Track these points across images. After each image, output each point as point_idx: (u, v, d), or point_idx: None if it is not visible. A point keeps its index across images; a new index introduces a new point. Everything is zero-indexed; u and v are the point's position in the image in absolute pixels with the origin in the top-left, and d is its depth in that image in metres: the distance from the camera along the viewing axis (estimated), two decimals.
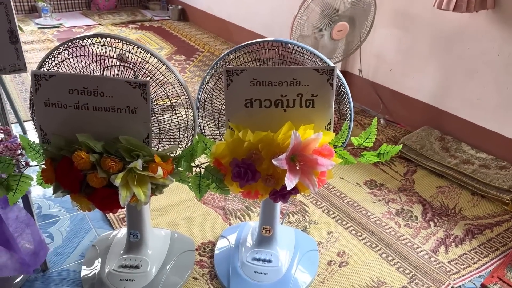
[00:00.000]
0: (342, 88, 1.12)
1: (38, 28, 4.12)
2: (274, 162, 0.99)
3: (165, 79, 1.09)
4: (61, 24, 4.24)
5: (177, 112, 1.11)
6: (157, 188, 1.06)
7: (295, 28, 2.12)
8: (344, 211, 1.82)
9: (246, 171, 1.05)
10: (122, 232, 1.55)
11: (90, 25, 4.28)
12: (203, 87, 1.20)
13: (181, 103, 1.12)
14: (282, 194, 1.09)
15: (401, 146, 1.10)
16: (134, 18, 4.56)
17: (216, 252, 1.54)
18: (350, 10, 2.20)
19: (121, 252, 1.43)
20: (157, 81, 1.09)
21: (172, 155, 1.12)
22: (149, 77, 1.10)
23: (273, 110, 1.10)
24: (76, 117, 1.06)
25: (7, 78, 2.78)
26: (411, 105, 2.50)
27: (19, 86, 2.88)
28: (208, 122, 1.21)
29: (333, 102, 1.07)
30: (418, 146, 2.20)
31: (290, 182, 1.00)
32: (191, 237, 1.62)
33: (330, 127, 1.10)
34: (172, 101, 1.11)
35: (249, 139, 1.06)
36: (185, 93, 1.11)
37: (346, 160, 1.11)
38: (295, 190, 1.08)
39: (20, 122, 2.23)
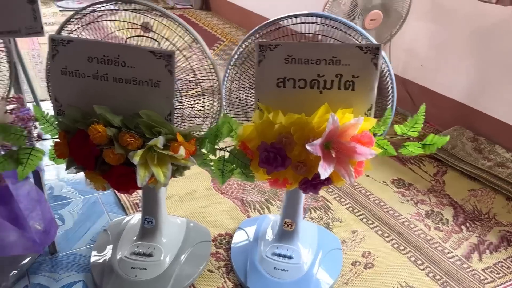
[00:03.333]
0: (386, 69, 1.01)
1: (60, 10, 4.09)
2: (307, 147, 0.90)
3: (191, 53, 1.00)
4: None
5: (202, 88, 1.02)
6: (178, 169, 0.98)
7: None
8: (369, 209, 1.71)
9: (276, 157, 0.96)
10: (135, 218, 1.47)
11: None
12: (231, 64, 1.11)
13: (207, 79, 1.03)
14: (314, 183, 0.99)
15: (448, 137, 0.99)
16: (156, 5, 4.49)
17: (233, 244, 1.45)
18: None
19: (134, 238, 1.35)
20: (182, 54, 1.00)
21: (196, 135, 1.03)
22: (175, 49, 1.01)
23: (307, 91, 1.00)
24: (95, 88, 0.98)
25: (26, 58, 2.74)
26: (442, 103, 2.37)
27: (37, 66, 2.84)
28: (235, 102, 1.12)
29: (376, 85, 0.97)
30: (450, 146, 2.07)
31: (324, 170, 0.90)
32: (207, 227, 1.53)
33: (370, 113, 1.00)
34: (198, 76, 1.02)
35: (280, 122, 0.97)
36: (212, 69, 1.02)
37: (385, 150, 1.01)
38: (328, 181, 0.98)
39: (36, 101, 2.17)
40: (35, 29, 0.92)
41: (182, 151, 0.93)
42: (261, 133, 0.99)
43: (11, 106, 0.98)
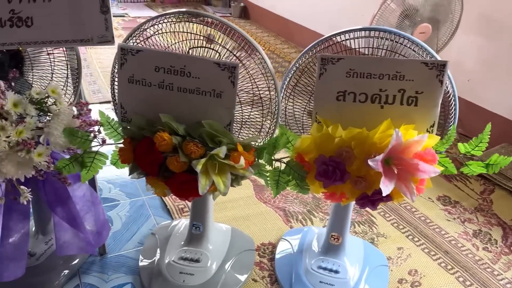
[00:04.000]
0: (449, 86, 1.00)
1: None
2: (370, 163, 0.89)
3: (251, 65, 1.02)
4: (126, 13, 4.33)
5: (262, 97, 1.03)
6: (236, 179, 0.99)
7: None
8: (415, 226, 1.67)
9: (335, 170, 0.95)
10: (182, 222, 1.50)
11: None
12: (288, 76, 1.11)
13: (267, 89, 1.04)
14: (372, 199, 0.98)
15: None
16: None
17: (277, 255, 1.45)
18: (433, 11, 2.05)
19: (182, 243, 1.37)
20: (244, 66, 1.02)
21: (254, 145, 1.04)
22: (237, 60, 1.03)
23: (368, 105, 1.00)
24: (159, 96, 1.01)
25: None
26: (489, 119, 2.30)
27: (84, 69, 2.94)
28: (292, 112, 1.13)
29: (440, 101, 0.95)
30: None
31: (385, 187, 0.89)
32: (250, 236, 1.54)
33: (433, 130, 0.98)
34: (257, 87, 1.04)
35: (340, 135, 0.97)
36: (272, 80, 1.03)
37: (446, 169, 0.99)
38: (387, 197, 0.97)
39: None
40: (106, 38, 0.96)
41: (242, 161, 0.94)
42: (319, 146, 0.99)
43: (78, 111, 1.02)
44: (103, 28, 0.95)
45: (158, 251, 1.38)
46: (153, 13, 4.45)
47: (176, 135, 0.95)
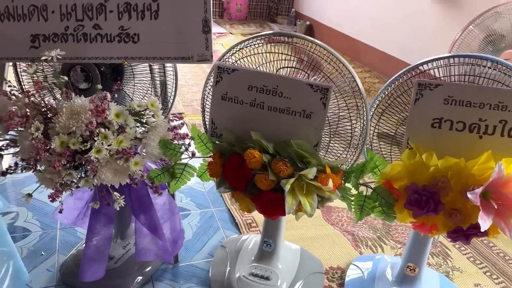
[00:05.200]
0: None
1: None
2: (469, 195, 0.85)
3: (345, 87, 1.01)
4: None
5: (351, 119, 1.02)
6: (322, 201, 0.98)
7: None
8: (493, 263, 1.57)
9: (428, 200, 0.92)
10: (251, 237, 1.51)
11: (222, 33, 4.47)
12: (377, 100, 1.10)
13: (356, 110, 1.03)
14: (466, 234, 0.93)
15: None
16: (262, 30, 4.67)
17: (347, 281, 1.41)
18: None
19: (252, 258, 1.37)
20: (337, 88, 1.01)
21: (341, 168, 1.03)
22: (327, 81, 1.03)
23: (465, 134, 0.96)
24: (250, 114, 1.03)
25: None
26: None
27: None
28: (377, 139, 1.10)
29: None
30: None
31: (484, 222, 0.85)
32: (319, 258, 1.51)
33: None
34: (347, 108, 1.03)
35: (435, 164, 0.93)
36: (362, 104, 1.02)
37: None
38: (482, 232, 0.92)
39: None
40: (206, 57, 1.00)
41: (330, 183, 0.94)
42: (411, 174, 0.96)
43: (172, 124, 1.07)
44: (204, 47, 0.99)
45: (228, 264, 1.40)
46: (221, 30, 4.59)
47: (266, 153, 0.97)
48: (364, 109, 1.02)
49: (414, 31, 3.22)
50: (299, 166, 0.95)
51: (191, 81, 3.14)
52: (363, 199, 1.02)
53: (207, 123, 1.16)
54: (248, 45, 1.10)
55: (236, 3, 4.92)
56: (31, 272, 1.36)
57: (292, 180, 0.92)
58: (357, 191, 1.02)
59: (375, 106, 1.10)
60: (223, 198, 1.83)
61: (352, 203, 1.03)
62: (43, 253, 1.45)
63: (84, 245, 1.45)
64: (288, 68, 1.11)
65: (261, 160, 0.95)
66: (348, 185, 1.04)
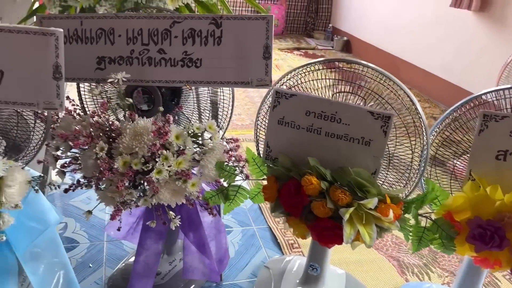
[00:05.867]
0: None
1: None
2: None
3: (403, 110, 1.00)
4: None
5: (412, 147, 1.00)
6: (380, 231, 0.96)
7: (505, 77, 1.87)
8: None
9: (492, 235, 0.89)
10: (295, 259, 1.49)
11: None
12: (436, 128, 1.07)
13: (415, 138, 1.01)
14: None
15: None
16: (299, 45, 4.69)
17: None
18: None
19: (297, 282, 1.36)
20: (399, 117, 1.00)
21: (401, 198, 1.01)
22: (386, 108, 1.02)
23: None
24: (306, 139, 1.03)
25: None
26: None
27: None
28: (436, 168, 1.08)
29: None
30: None
31: None
32: (364, 283, 1.48)
33: None
34: (407, 136, 1.01)
35: (501, 198, 0.90)
36: (424, 132, 1.00)
37: None
38: None
39: None
40: (265, 82, 1.01)
41: (391, 214, 0.92)
42: (474, 207, 0.93)
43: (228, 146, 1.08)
44: (263, 73, 1.00)
45: (273, 286, 1.39)
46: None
47: (323, 180, 0.96)
48: (425, 137, 1.00)
49: (457, 49, 3.15)
50: (358, 195, 0.94)
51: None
52: (422, 230, 1.00)
53: (260, 145, 1.16)
54: (304, 70, 1.11)
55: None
56: (80, 283, 1.40)
57: (351, 209, 0.91)
58: (417, 223, 1.00)
59: (434, 133, 1.07)
60: (264, 216, 1.83)
61: (410, 234, 1.01)
62: (91, 265, 1.48)
63: (131, 259, 1.48)
64: (344, 93, 1.11)
65: (319, 187, 0.94)
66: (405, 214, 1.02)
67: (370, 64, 1.03)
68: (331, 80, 1.11)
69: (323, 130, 1.02)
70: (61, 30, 0.86)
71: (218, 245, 1.35)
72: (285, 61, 4.16)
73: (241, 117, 2.96)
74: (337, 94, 1.12)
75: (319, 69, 1.07)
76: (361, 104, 1.10)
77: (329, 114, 1.00)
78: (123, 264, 1.46)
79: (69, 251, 1.54)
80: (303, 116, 1.02)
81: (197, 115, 1.16)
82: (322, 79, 1.06)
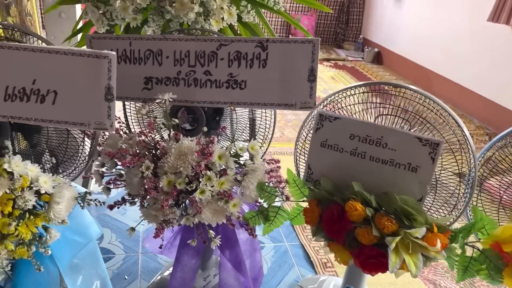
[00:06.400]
0: None
1: None
2: None
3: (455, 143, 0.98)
4: None
5: (460, 174, 0.98)
6: (426, 260, 0.94)
7: None
8: None
9: None
10: (330, 280, 1.48)
11: None
12: (485, 155, 1.05)
13: (462, 165, 0.99)
14: None
15: None
16: (329, 56, 4.67)
17: None
18: None
19: None
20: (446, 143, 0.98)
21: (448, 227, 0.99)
22: (432, 133, 1.00)
23: None
24: (350, 163, 1.02)
25: None
26: None
27: None
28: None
29: None
30: None
31: None
32: None
33: None
34: (456, 163, 0.99)
35: None
36: (472, 160, 0.98)
37: None
38: None
39: None
40: (309, 105, 1.01)
41: (438, 244, 0.90)
42: None
43: (269, 167, 1.08)
44: (308, 95, 1.00)
45: None
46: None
47: (368, 206, 0.95)
48: (472, 164, 0.98)
49: (493, 63, 3.07)
50: (405, 223, 0.92)
51: None
52: (468, 260, 0.97)
53: (300, 166, 1.16)
54: (347, 93, 1.10)
55: None
56: None
57: (398, 238, 0.89)
58: (463, 252, 0.97)
59: (481, 159, 1.05)
60: (296, 232, 1.82)
61: (456, 263, 0.98)
62: (126, 277, 1.51)
63: (166, 272, 1.50)
64: (389, 116, 1.10)
65: (364, 213, 0.93)
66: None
67: (420, 90, 1.02)
68: (374, 103, 1.10)
69: (367, 154, 1.00)
70: (114, 53, 0.89)
71: (253, 263, 1.35)
72: None
73: None
74: (381, 117, 1.11)
75: (363, 92, 1.06)
76: (406, 127, 1.08)
77: (374, 139, 0.99)
78: (158, 277, 1.47)
79: (105, 262, 1.56)
80: (347, 139, 1.01)
81: (239, 134, 1.17)
82: (364, 103, 1.05)
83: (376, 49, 4.61)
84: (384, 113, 1.11)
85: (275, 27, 5.01)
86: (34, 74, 0.89)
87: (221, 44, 1.01)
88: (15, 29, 1.03)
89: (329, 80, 4.01)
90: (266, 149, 1.17)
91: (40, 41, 1.00)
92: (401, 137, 0.97)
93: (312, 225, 1.02)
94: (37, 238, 0.98)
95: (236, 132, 1.18)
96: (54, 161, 1.02)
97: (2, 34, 1.08)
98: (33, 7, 1.75)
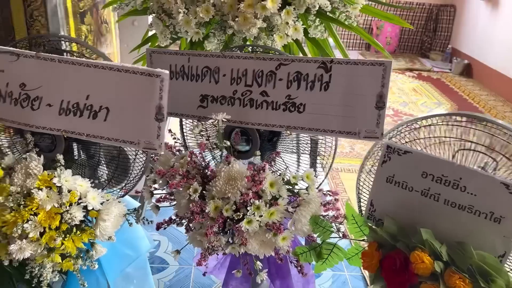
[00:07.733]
0: None
1: None
2: None
3: None
4: None
5: None
6: None
7: None
8: None
9: None
10: None
11: None
12: None
13: None
14: None
15: None
16: (412, 66, 4.37)
17: None
18: None
19: None
20: None
21: None
22: None
23: None
24: (419, 204, 0.89)
25: None
26: None
27: None
28: None
29: None
30: None
31: None
32: None
33: None
34: None
35: None
36: None
37: None
38: None
39: None
40: (375, 134, 0.90)
41: None
42: None
43: (326, 199, 0.98)
44: (374, 124, 0.88)
45: None
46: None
47: (437, 259, 0.81)
48: None
49: None
50: (480, 284, 0.77)
51: None
52: None
53: (362, 201, 1.05)
54: (422, 124, 0.97)
55: (386, 35, 4.71)
56: None
57: None
58: None
59: None
60: None
61: None
62: None
63: None
64: (471, 151, 0.94)
65: (431, 267, 0.80)
66: None
67: (509, 125, 0.85)
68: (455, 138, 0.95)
69: (441, 196, 0.86)
70: (167, 72, 0.85)
71: None
72: (394, 83, 3.90)
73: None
74: (462, 152, 0.96)
75: (441, 124, 0.92)
76: (491, 166, 0.92)
77: (451, 180, 0.85)
78: None
79: (159, 272, 1.57)
80: (419, 177, 0.88)
81: (295, 159, 1.08)
82: (444, 137, 0.91)
83: (466, 61, 4.22)
84: (466, 147, 0.95)
85: (354, 40, 4.80)
86: (88, 90, 0.89)
87: (280, 63, 0.93)
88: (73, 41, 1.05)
89: (410, 92, 3.74)
90: (324, 178, 1.07)
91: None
92: (484, 181, 0.82)
93: (371, 271, 0.91)
94: (85, 252, 0.98)
95: (293, 157, 1.10)
96: (105, 177, 1.02)
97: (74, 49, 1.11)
98: (109, 15, 1.82)
